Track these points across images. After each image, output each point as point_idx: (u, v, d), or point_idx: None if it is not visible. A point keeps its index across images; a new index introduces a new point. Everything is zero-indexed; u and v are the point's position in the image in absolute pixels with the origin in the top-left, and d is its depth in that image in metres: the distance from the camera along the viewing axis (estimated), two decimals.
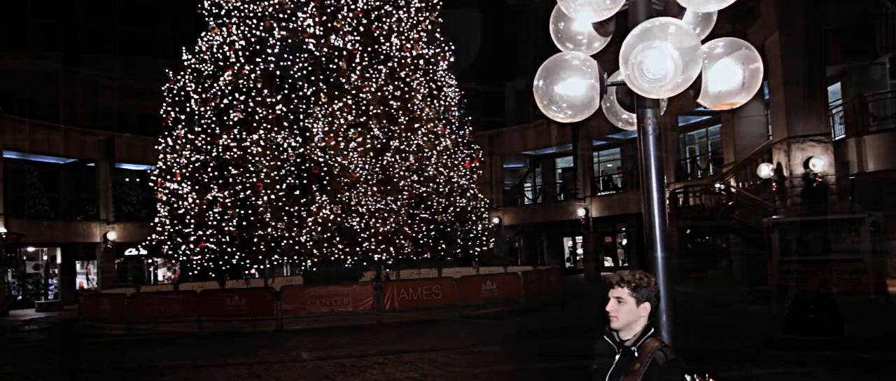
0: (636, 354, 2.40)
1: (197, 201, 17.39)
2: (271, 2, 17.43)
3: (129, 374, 10.49)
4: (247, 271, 18.33)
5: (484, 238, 20.05)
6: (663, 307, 2.56)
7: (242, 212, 16.87)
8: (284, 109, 17.21)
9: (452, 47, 20.01)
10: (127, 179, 29.58)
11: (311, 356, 10.60)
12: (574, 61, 2.65)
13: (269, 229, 16.60)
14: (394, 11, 18.50)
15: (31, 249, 26.40)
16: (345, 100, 17.15)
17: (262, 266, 17.77)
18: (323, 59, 17.51)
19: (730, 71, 2.52)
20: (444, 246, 18.63)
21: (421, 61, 18.83)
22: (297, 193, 16.85)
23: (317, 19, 17.52)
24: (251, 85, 17.30)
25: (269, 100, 17.15)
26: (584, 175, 29.71)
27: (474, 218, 19.57)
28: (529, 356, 10.23)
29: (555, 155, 33.42)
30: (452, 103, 19.98)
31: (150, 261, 31.01)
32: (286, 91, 17.27)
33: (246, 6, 17.63)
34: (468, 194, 19.66)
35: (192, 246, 17.29)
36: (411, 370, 9.23)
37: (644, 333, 2.45)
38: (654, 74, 2.37)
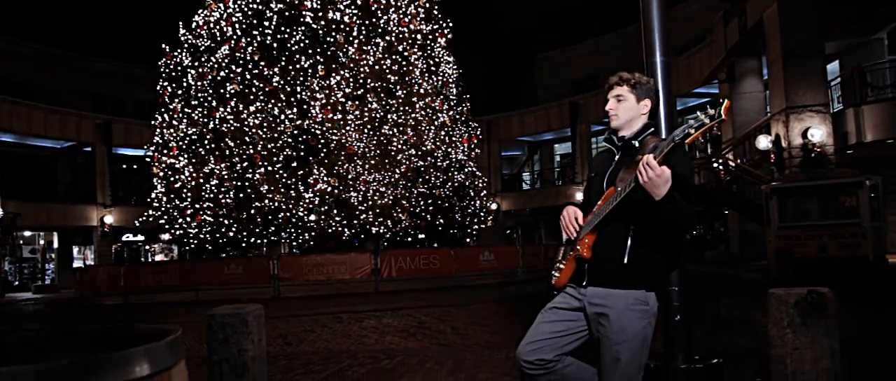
0: (637, 146, 2.37)
1: (194, 175, 17.31)
2: None
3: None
4: (243, 246, 18.20)
5: (482, 215, 20.01)
6: None
7: (239, 185, 16.81)
8: (282, 82, 17.13)
9: (450, 24, 19.99)
10: (124, 166, 29.47)
11: (310, 311, 10.56)
12: None
13: (266, 202, 16.53)
14: None
15: (27, 233, 26.29)
16: (342, 73, 17.08)
17: (259, 241, 17.67)
18: (320, 32, 17.45)
19: None
20: (441, 222, 18.57)
21: (418, 36, 18.78)
22: (295, 165, 16.78)
23: None
24: (248, 58, 17.24)
25: (266, 73, 17.08)
26: (582, 160, 29.69)
27: (472, 194, 19.53)
28: (529, 309, 10.18)
29: (553, 141, 33.38)
30: (450, 80, 19.94)
31: (147, 247, 30.94)
32: (283, 64, 17.20)
33: None
34: (466, 170, 19.62)
35: (188, 220, 17.23)
36: (409, 320, 9.21)
37: (644, 129, 2.42)
38: None
